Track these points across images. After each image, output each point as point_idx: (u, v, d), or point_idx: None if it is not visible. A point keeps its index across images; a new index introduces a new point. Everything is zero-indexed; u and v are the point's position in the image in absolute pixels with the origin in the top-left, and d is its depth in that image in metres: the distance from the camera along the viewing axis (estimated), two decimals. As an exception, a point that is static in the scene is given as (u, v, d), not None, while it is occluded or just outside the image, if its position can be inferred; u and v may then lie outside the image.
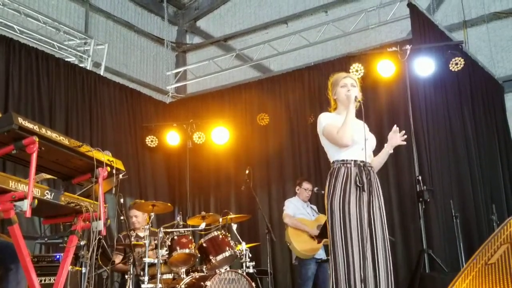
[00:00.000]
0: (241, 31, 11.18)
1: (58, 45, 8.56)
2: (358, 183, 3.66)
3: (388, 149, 3.97)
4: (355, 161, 3.75)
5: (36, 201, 2.94)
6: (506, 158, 8.49)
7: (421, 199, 6.42)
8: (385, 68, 7.16)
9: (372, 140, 3.98)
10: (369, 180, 3.71)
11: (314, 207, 7.03)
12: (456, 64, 7.08)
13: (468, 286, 1.96)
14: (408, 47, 6.78)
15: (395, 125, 4.02)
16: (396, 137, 3.96)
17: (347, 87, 3.94)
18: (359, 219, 3.60)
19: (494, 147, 8.35)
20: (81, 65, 8.74)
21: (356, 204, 3.63)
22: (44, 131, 3.05)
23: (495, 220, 6.77)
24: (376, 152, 4.07)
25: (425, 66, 6.97)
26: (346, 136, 3.74)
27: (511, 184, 8.37)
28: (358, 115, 3.92)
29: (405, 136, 4.00)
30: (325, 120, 3.93)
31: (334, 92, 4.03)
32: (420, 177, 6.54)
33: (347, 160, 3.76)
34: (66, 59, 8.49)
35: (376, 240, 3.59)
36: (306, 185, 6.95)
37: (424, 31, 7.48)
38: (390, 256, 3.64)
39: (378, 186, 3.79)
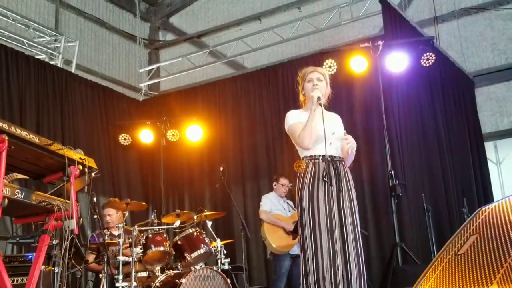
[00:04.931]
0: (214, 28, 11.16)
1: (28, 42, 8.43)
2: (325, 178, 3.65)
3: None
4: (323, 156, 3.72)
5: (6, 200, 2.90)
6: (476, 152, 8.62)
7: (393, 194, 6.50)
8: (358, 64, 7.21)
9: (340, 133, 3.92)
10: (338, 174, 3.69)
11: (291, 202, 7.03)
12: (428, 59, 7.16)
13: (438, 277, 1.99)
14: (380, 43, 6.87)
15: (344, 132, 3.89)
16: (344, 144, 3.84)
17: (313, 81, 3.91)
18: (328, 214, 3.59)
19: (465, 141, 8.47)
20: (51, 62, 8.64)
21: (324, 200, 3.62)
22: (13, 129, 3.01)
23: (465, 213, 6.89)
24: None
25: (397, 61, 7.04)
26: (307, 139, 3.73)
27: (482, 177, 8.51)
28: (329, 108, 3.92)
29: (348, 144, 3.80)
30: (291, 119, 3.91)
31: (302, 87, 4.01)
32: (392, 172, 6.62)
33: (315, 156, 3.75)
34: (36, 57, 8.37)
35: (346, 235, 3.58)
36: (283, 181, 6.95)
37: (396, 27, 7.55)
38: (361, 250, 3.63)
39: (348, 180, 3.76)
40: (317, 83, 3.90)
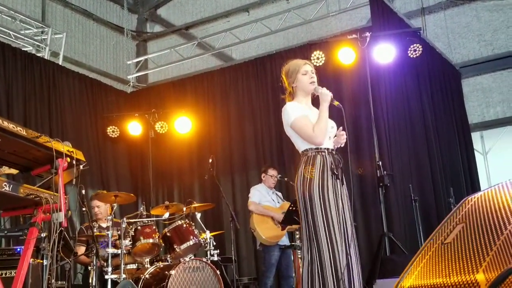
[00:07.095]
0: (202, 19, 11.12)
1: (14, 34, 8.35)
2: (335, 171, 3.67)
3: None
4: (327, 149, 3.75)
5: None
6: (463, 142, 8.70)
7: (381, 184, 6.54)
8: (346, 56, 7.23)
9: (335, 128, 3.96)
10: (340, 168, 3.74)
11: (279, 194, 7.07)
12: (415, 50, 7.19)
13: (425, 266, 2.02)
14: (367, 34, 6.88)
15: (340, 127, 3.94)
16: (339, 138, 3.90)
17: (309, 74, 3.87)
18: (336, 206, 3.62)
19: (452, 131, 8.54)
20: (38, 54, 8.56)
21: (333, 193, 3.64)
22: (0, 122, 2.99)
23: (453, 203, 6.95)
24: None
25: (384, 53, 7.07)
26: (322, 135, 3.72)
27: (469, 167, 8.58)
28: (316, 100, 3.92)
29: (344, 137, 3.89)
30: (293, 112, 3.80)
31: (293, 79, 3.91)
32: (380, 163, 6.66)
33: (321, 149, 3.73)
34: (23, 49, 8.30)
35: (346, 227, 3.64)
36: (272, 172, 6.97)
37: (383, 18, 7.58)
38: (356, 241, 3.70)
39: (343, 174, 3.79)
40: (313, 76, 3.89)
